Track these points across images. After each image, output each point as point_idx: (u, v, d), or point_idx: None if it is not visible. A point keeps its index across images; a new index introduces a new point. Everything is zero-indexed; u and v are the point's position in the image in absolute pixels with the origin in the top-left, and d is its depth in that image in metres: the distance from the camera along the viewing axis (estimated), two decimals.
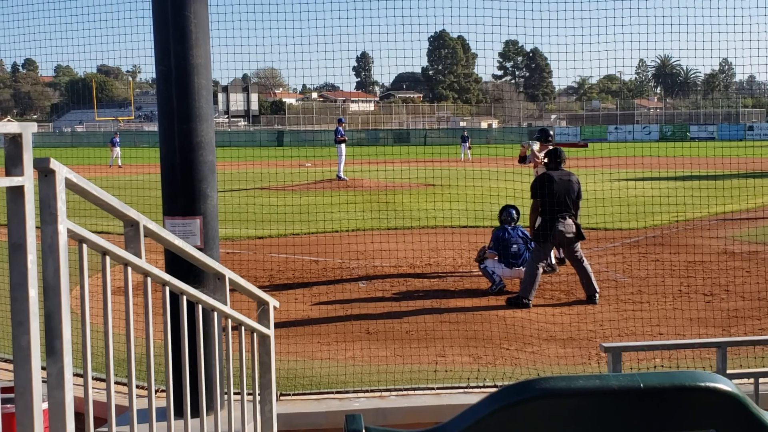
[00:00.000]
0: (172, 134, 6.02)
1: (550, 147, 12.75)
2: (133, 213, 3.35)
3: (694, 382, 1.70)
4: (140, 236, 3.40)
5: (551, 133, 13.60)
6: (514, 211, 11.96)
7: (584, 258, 10.95)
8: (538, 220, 10.93)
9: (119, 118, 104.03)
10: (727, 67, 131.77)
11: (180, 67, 5.92)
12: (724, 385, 1.72)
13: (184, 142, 5.98)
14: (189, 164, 5.98)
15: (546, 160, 11.63)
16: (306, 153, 39.55)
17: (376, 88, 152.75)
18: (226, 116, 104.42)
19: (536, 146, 13.18)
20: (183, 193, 6.03)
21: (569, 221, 10.75)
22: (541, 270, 10.86)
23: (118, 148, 47.34)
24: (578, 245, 10.92)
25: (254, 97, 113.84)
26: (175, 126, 5.99)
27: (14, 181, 2.63)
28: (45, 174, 2.78)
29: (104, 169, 33.73)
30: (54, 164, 2.76)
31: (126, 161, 46.52)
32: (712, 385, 1.70)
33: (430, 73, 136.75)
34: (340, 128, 32.43)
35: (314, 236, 16.20)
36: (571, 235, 10.74)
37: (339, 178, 30.48)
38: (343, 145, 31.44)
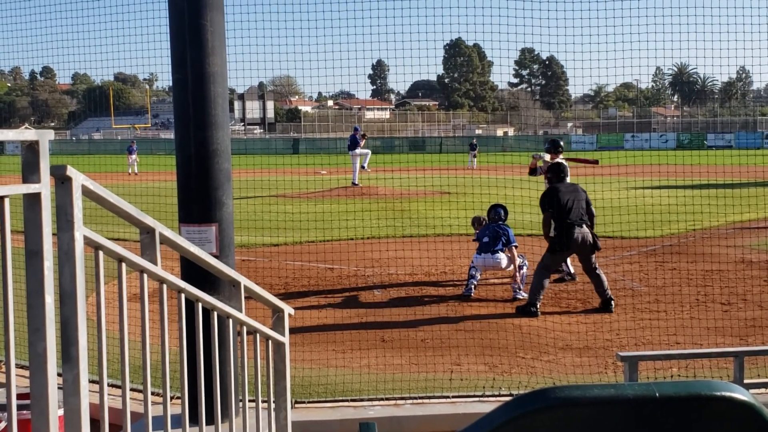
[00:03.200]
0: (188, 142, 6.05)
1: (560, 159, 12.80)
2: (149, 220, 3.36)
3: (710, 392, 1.69)
4: (156, 243, 3.41)
5: (561, 143, 13.56)
6: (501, 210, 12.50)
7: (598, 266, 10.93)
8: (552, 231, 10.94)
9: (136, 126, 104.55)
10: (744, 75, 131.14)
11: (196, 75, 5.95)
12: (740, 394, 1.70)
13: (200, 150, 6.01)
14: (205, 172, 6.01)
15: (549, 176, 11.66)
16: (321, 160, 39.61)
17: (392, 96, 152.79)
18: (242, 124, 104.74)
19: (547, 157, 13.18)
20: (199, 201, 6.05)
21: (585, 229, 10.72)
22: (548, 277, 10.81)
23: (133, 156, 47.65)
24: (593, 255, 10.89)
25: (270, 104, 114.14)
26: (191, 134, 6.02)
27: (31, 188, 2.65)
28: (62, 181, 2.79)
29: (121, 176, 33.89)
30: (71, 171, 2.77)
31: (142, 168, 46.71)
32: (728, 394, 1.69)
33: (446, 80, 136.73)
34: (356, 135, 32.44)
35: (329, 244, 16.21)
36: (588, 243, 10.71)
37: (354, 184, 30.55)
38: (357, 150, 31.52)
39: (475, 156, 49.16)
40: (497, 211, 12.48)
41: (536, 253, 11.81)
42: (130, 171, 45.54)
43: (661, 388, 1.69)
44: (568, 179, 11.95)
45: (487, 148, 64.25)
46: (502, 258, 11.88)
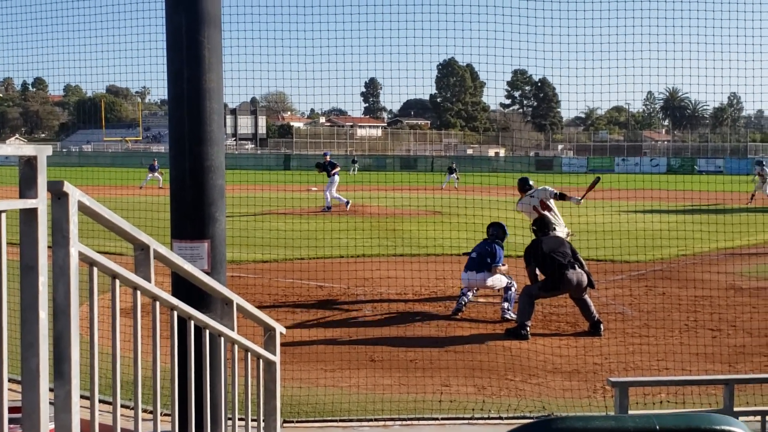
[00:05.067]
0: (183, 157, 6.03)
1: (529, 194, 13.02)
2: (144, 237, 3.35)
3: (709, 425, 1.69)
4: (150, 260, 3.40)
5: (531, 182, 13.67)
6: (499, 230, 12.54)
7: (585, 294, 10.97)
8: (540, 277, 11.02)
9: (126, 139, 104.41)
10: (735, 101, 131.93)
11: (192, 91, 5.94)
12: (738, 428, 1.71)
13: (194, 166, 5.99)
14: (199, 188, 5.99)
15: (534, 228, 11.70)
16: (313, 178, 39.53)
17: (384, 114, 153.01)
18: (234, 139, 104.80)
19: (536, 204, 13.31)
20: (192, 217, 6.03)
21: (579, 271, 10.77)
22: (533, 303, 10.81)
23: (155, 173, 47.60)
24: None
25: (262, 120, 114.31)
26: (186, 149, 6.00)
27: (28, 203, 2.64)
28: (58, 197, 2.78)
29: (113, 189, 33.75)
30: (67, 187, 2.77)
31: (134, 183, 46.52)
32: (726, 428, 1.69)
33: (438, 100, 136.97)
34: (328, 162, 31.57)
35: (320, 261, 16.19)
36: (583, 285, 10.75)
37: (329, 208, 29.64)
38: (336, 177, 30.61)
39: (457, 178, 48.82)
40: (495, 230, 12.52)
41: (525, 275, 11.83)
42: (160, 185, 45.38)
43: (661, 420, 1.69)
44: (559, 231, 12.26)
45: (480, 168, 64.31)
46: (486, 277, 11.91)
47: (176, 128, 6.07)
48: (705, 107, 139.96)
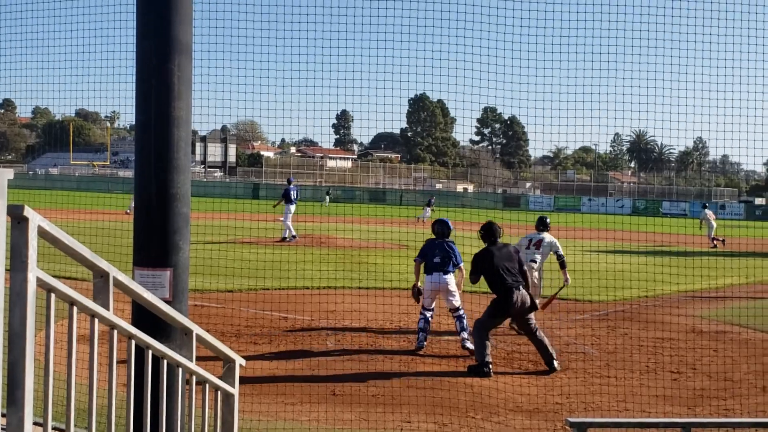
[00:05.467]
0: (148, 184, 5.99)
1: (540, 231, 13.50)
2: (103, 264, 3.32)
3: None
4: (109, 288, 3.37)
5: (548, 220, 14.19)
6: (446, 227, 12.44)
7: (538, 328, 11.00)
8: (477, 279, 11.08)
9: (94, 163, 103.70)
10: (701, 145, 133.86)
11: (160, 118, 5.92)
12: None
13: (159, 193, 5.96)
14: (163, 215, 5.95)
15: (482, 232, 11.57)
16: (281, 207, 39.50)
17: (355, 146, 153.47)
18: (203, 166, 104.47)
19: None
20: (155, 244, 5.98)
21: (522, 291, 10.82)
22: (487, 336, 10.81)
23: None
24: (532, 315, 10.97)
25: (232, 148, 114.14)
26: (152, 176, 5.97)
27: None
28: (18, 221, 2.75)
29: (77, 213, 33.44)
30: (27, 212, 2.74)
31: (102, 207, 46.00)
32: None
33: (409, 134, 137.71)
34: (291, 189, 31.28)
35: (284, 292, 16.11)
36: (526, 306, 10.80)
37: (294, 237, 29.43)
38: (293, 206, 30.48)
39: (432, 210, 49.04)
40: (442, 227, 12.40)
41: (476, 310, 11.82)
42: (128, 211, 44.89)
43: None
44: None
45: (447, 202, 64.57)
46: (451, 279, 11.97)
47: (142, 154, 6.03)
48: (671, 150, 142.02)
